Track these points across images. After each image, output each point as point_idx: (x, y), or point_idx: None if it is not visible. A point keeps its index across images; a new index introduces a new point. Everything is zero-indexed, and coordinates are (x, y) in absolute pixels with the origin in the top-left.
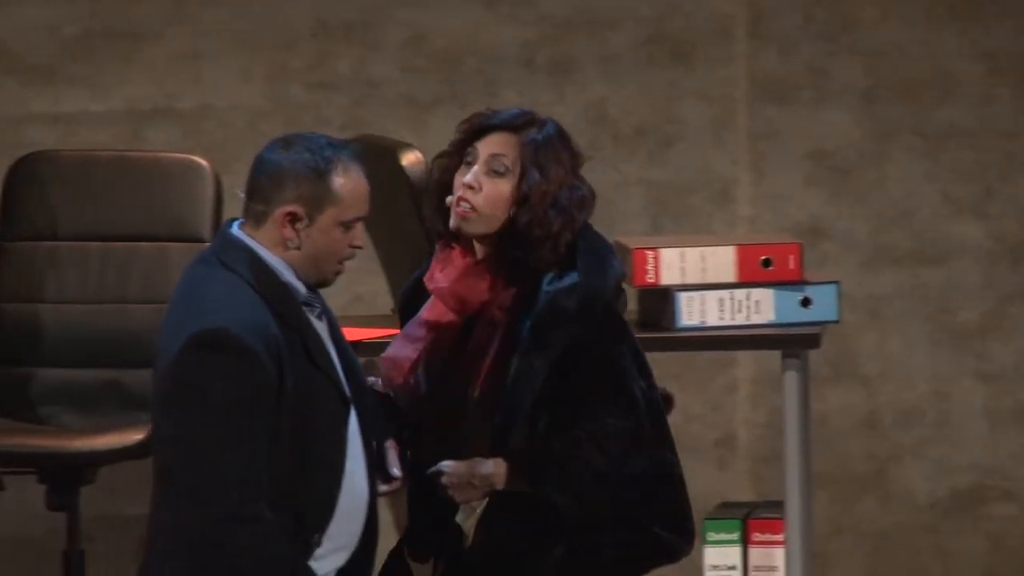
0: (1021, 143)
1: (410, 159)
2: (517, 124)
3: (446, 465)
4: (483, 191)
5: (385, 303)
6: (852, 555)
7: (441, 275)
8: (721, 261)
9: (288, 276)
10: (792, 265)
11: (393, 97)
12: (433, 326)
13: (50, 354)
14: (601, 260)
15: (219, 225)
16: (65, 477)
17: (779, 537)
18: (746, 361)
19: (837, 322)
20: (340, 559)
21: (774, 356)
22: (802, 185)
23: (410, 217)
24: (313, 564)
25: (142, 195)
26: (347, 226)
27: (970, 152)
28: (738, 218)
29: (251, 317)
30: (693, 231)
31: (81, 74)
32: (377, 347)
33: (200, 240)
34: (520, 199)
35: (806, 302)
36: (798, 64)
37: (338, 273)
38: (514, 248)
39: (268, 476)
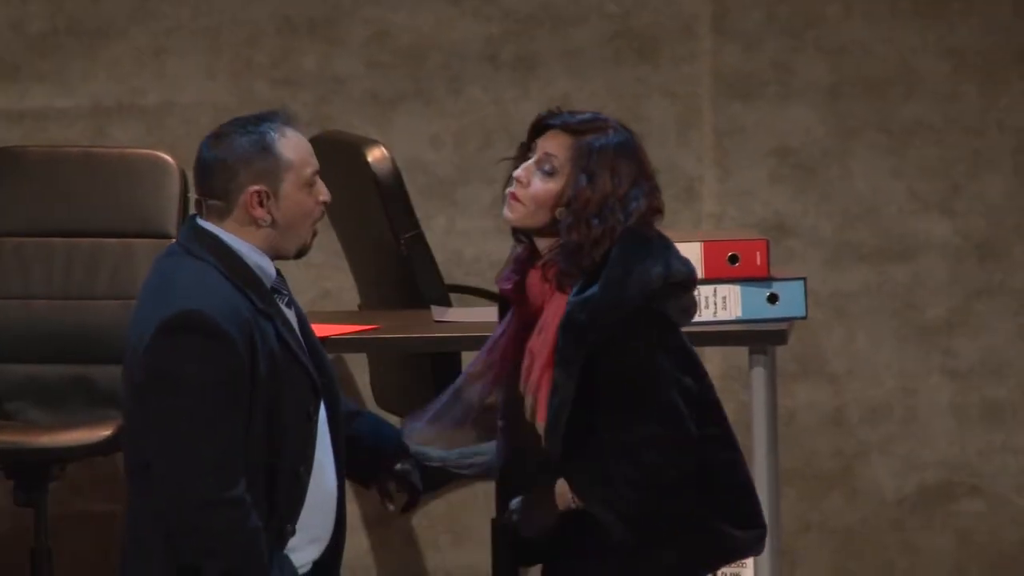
0: (987, 140)
1: (375, 155)
2: (577, 127)
3: (514, 503)
4: (530, 187)
5: (352, 298)
6: (820, 552)
7: (505, 277)
8: (688, 257)
9: (257, 259)
10: (759, 261)
11: (358, 93)
12: (511, 325)
13: (17, 350)
14: (628, 268)
15: (185, 223)
16: (32, 473)
17: None
18: (713, 357)
19: (804, 318)
20: (315, 551)
21: (741, 352)
22: (767, 182)
23: (376, 212)
24: (290, 556)
25: (108, 191)
26: (310, 184)
27: (936, 149)
28: (704, 215)
29: (223, 301)
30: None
31: (46, 70)
32: (344, 343)
33: (166, 236)
34: (565, 202)
35: (773, 298)
36: (762, 61)
37: (315, 235)
38: (558, 251)
39: (243, 462)
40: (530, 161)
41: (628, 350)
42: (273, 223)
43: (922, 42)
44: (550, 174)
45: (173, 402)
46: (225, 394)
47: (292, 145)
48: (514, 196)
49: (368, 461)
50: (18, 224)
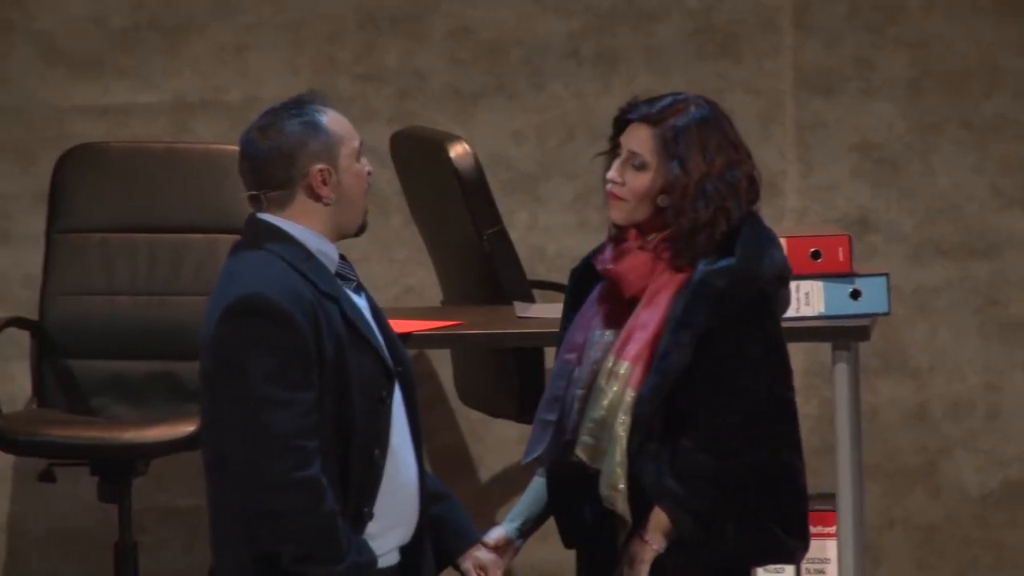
0: None
1: (457, 151)
2: (656, 116)
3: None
4: (626, 185)
5: (434, 295)
6: (903, 547)
7: (608, 256)
8: None
9: (318, 245)
10: (841, 257)
11: (440, 89)
12: (600, 306)
13: (101, 346)
14: (760, 248)
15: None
16: (116, 469)
17: (831, 529)
18: (796, 353)
19: (887, 314)
20: (399, 537)
21: (824, 348)
22: (849, 177)
23: (458, 208)
24: (371, 544)
25: (191, 187)
26: (358, 156)
27: (1018, 144)
28: (786, 210)
29: (284, 285)
30: None
31: (128, 66)
32: (427, 339)
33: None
34: (663, 190)
35: (856, 294)
36: (844, 56)
37: (367, 212)
38: (670, 237)
39: (316, 442)
40: (618, 160)
41: (741, 331)
42: (334, 201)
43: (1003, 37)
44: (640, 168)
45: (241, 385)
46: (292, 374)
47: (337, 120)
48: (615, 196)
49: (450, 546)
50: (102, 220)
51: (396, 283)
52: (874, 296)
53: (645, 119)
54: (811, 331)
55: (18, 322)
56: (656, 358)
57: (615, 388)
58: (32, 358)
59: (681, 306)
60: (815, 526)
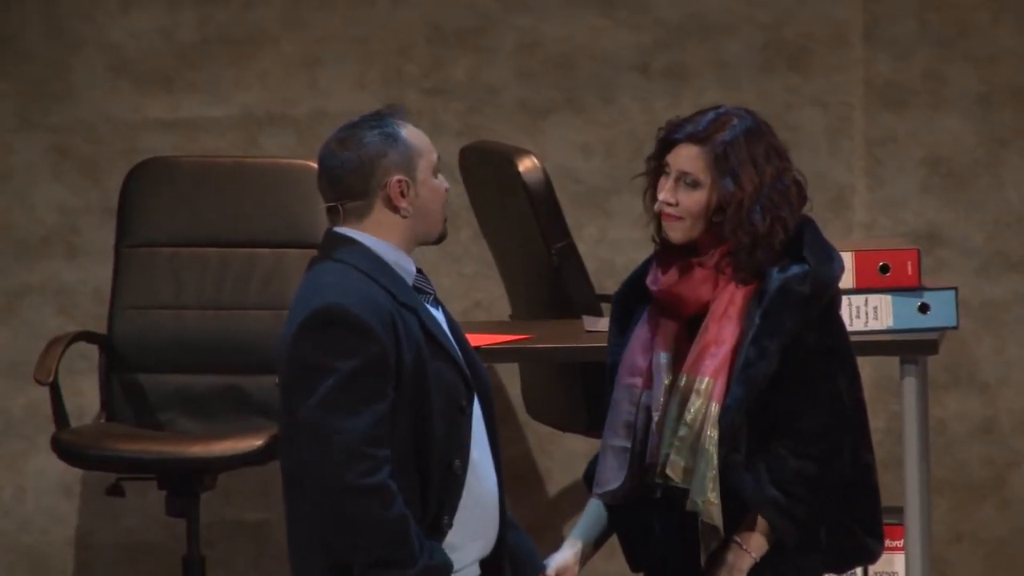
0: None
1: (526, 165)
2: (701, 135)
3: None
4: (680, 204)
5: (503, 308)
6: (971, 562)
7: (664, 277)
8: None
9: (395, 257)
10: (910, 271)
11: (509, 103)
12: (656, 327)
13: (169, 360)
14: (828, 251)
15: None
16: (184, 483)
17: (899, 543)
18: (864, 367)
19: (955, 328)
20: (479, 550)
21: (893, 362)
22: (918, 191)
23: (527, 222)
24: (452, 556)
25: (259, 201)
26: (437, 170)
27: None
28: (855, 224)
29: (362, 295)
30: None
31: (197, 80)
32: (495, 353)
33: (318, 246)
34: (719, 208)
35: (924, 308)
36: (914, 70)
37: (446, 220)
38: (730, 251)
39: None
40: (669, 180)
41: (821, 335)
42: (411, 214)
43: None
44: (693, 186)
45: (315, 393)
46: (367, 384)
47: (415, 134)
48: (671, 216)
49: (517, 573)
50: (170, 234)
51: (465, 297)
52: (942, 310)
53: (692, 138)
54: (879, 345)
55: (87, 336)
56: (739, 369)
57: (698, 403)
58: (100, 372)
59: (760, 315)
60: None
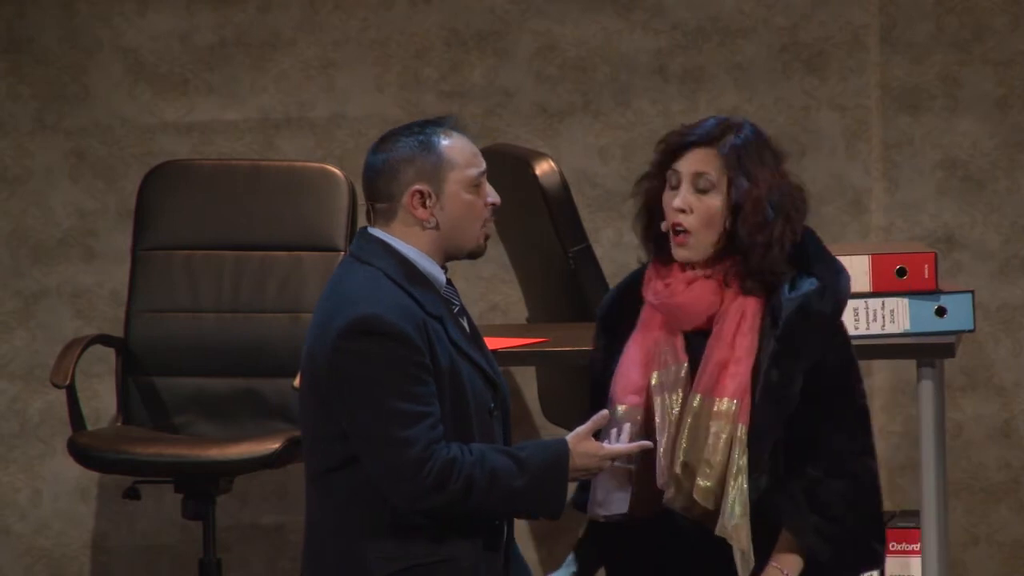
0: None
1: (543, 168)
2: (712, 137)
3: None
4: (695, 212)
5: (520, 312)
6: (988, 565)
7: (666, 289)
8: (856, 270)
9: (426, 264)
10: (927, 274)
11: (526, 106)
12: (652, 342)
13: (185, 363)
14: (836, 265)
15: (353, 234)
16: (201, 486)
17: (915, 546)
18: (881, 370)
19: (972, 331)
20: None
21: (909, 365)
22: (935, 194)
23: (544, 226)
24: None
25: (276, 204)
26: (475, 185)
27: None
28: (872, 227)
29: (394, 302)
30: (827, 241)
31: (215, 83)
32: (512, 356)
33: (335, 249)
34: (733, 210)
35: (941, 311)
36: (931, 73)
37: (487, 237)
38: (742, 259)
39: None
40: (680, 188)
41: (839, 351)
42: (436, 226)
43: None
44: (706, 191)
45: (373, 405)
46: (418, 389)
47: (456, 146)
48: (682, 234)
49: None
50: (187, 237)
51: (482, 300)
52: (959, 313)
53: (703, 141)
54: (896, 348)
55: (103, 339)
56: (764, 390)
57: (724, 425)
58: (117, 375)
59: (781, 335)
60: (899, 543)
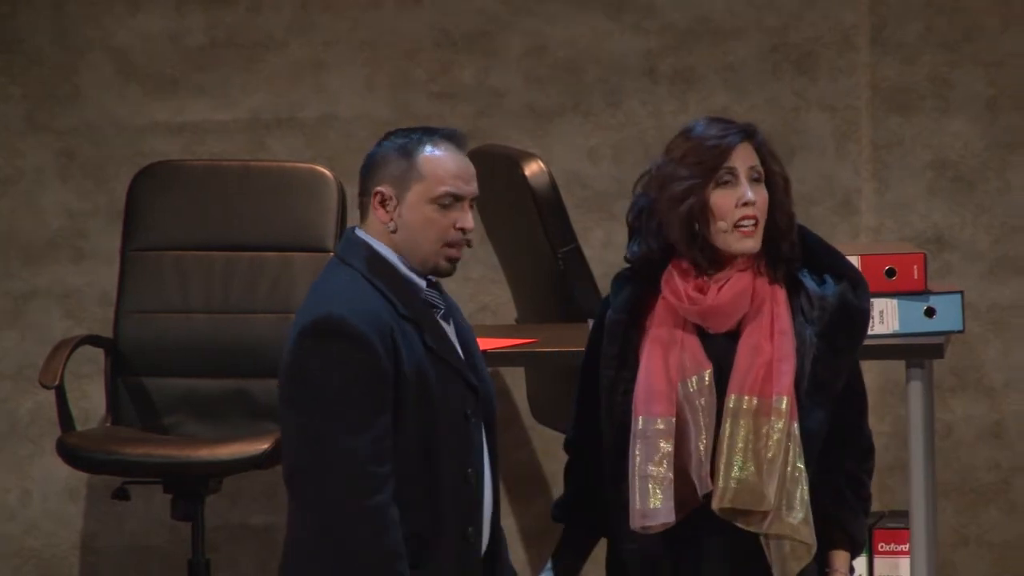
0: None
1: (533, 169)
2: (748, 131)
3: None
4: (757, 203)
5: (509, 312)
6: (977, 566)
7: (696, 292)
8: None
9: (405, 267)
10: (916, 275)
11: (516, 107)
12: (670, 345)
13: (175, 364)
14: (847, 259)
15: (343, 234)
16: (190, 487)
17: (904, 547)
18: (870, 371)
19: (961, 332)
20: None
21: (898, 366)
22: (925, 195)
23: (534, 226)
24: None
25: (267, 205)
26: (441, 204)
27: None
28: (862, 228)
29: (363, 305)
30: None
31: (205, 84)
32: (501, 357)
33: (325, 249)
34: (771, 194)
35: (930, 312)
36: (920, 74)
37: (450, 260)
38: (770, 247)
39: (395, 466)
40: (741, 183)
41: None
42: (396, 230)
43: None
44: (759, 181)
45: (316, 408)
46: (367, 398)
47: (437, 160)
48: (750, 225)
49: None
50: (177, 238)
51: (471, 301)
52: (949, 314)
53: (743, 137)
54: (885, 349)
55: (93, 340)
56: (814, 387)
57: (779, 424)
58: (106, 376)
59: (825, 330)
60: (888, 544)
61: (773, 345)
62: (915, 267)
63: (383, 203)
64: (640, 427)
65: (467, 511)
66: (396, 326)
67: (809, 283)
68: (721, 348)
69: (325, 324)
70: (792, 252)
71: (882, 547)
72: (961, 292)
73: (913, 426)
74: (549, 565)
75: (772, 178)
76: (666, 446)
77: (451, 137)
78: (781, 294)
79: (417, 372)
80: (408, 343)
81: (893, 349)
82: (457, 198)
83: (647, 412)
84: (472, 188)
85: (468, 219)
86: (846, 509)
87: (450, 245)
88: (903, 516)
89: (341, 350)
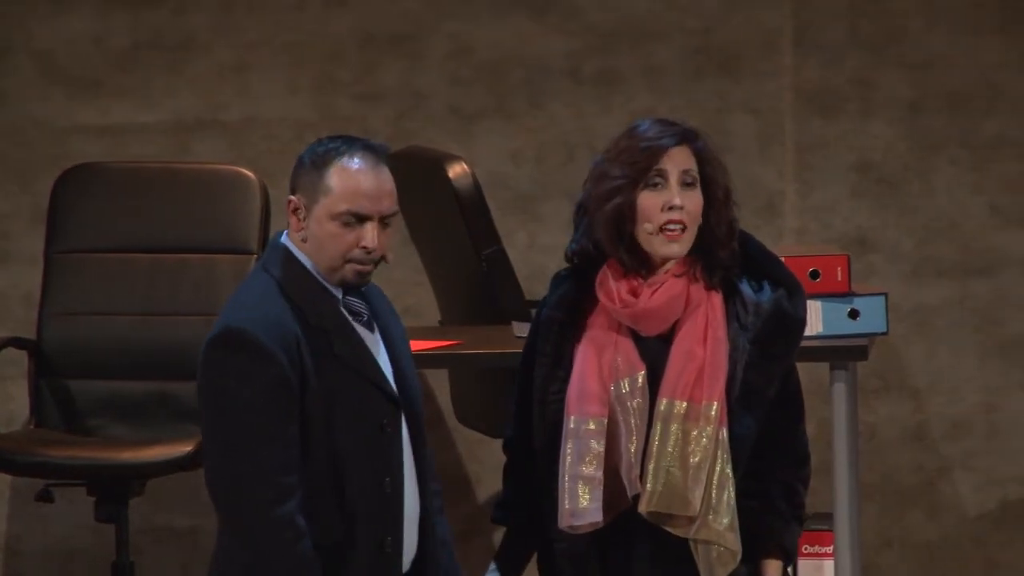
0: None
1: (456, 170)
2: (687, 135)
3: None
4: (686, 208)
5: (432, 314)
6: (901, 568)
7: (628, 295)
8: None
9: (320, 278)
10: (840, 277)
11: (439, 108)
12: (605, 347)
13: (99, 366)
14: (787, 268)
15: (267, 236)
16: (114, 489)
17: (828, 549)
18: None
19: (885, 334)
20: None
21: (822, 368)
22: (848, 197)
23: (457, 228)
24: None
25: (190, 207)
26: (344, 221)
27: (1017, 164)
28: (785, 230)
29: (268, 316)
30: None
31: (128, 86)
32: (425, 358)
33: (248, 252)
34: (709, 201)
35: (854, 314)
36: (844, 76)
37: (359, 274)
38: (707, 253)
39: (303, 477)
40: (670, 186)
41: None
42: (306, 240)
43: (1004, 57)
44: (692, 185)
45: (221, 419)
46: (272, 408)
47: (348, 175)
48: (676, 230)
49: None
50: (100, 240)
51: (394, 302)
52: (872, 316)
53: (680, 141)
54: (809, 351)
55: (16, 342)
56: (744, 393)
57: (707, 429)
58: (30, 378)
59: (757, 337)
60: (812, 546)
61: (706, 350)
62: (839, 269)
63: (295, 212)
64: (572, 426)
65: (384, 522)
66: (303, 336)
67: (746, 289)
68: (655, 351)
69: (227, 337)
70: (731, 259)
71: (806, 549)
72: (885, 294)
73: (837, 428)
74: (493, 567)
75: (710, 185)
76: (597, 446)
77: (371, 149)
78: (717, 299)
79: (321, 385)
80: (314, 353)
81: (817, 351)
82: (360, 218)
83: (579, 412)
84: (382, 207)
85: (371, 238)
86: (777, 518)
87: (353, 262)
88: (827, 518)
89: (243, 362)
